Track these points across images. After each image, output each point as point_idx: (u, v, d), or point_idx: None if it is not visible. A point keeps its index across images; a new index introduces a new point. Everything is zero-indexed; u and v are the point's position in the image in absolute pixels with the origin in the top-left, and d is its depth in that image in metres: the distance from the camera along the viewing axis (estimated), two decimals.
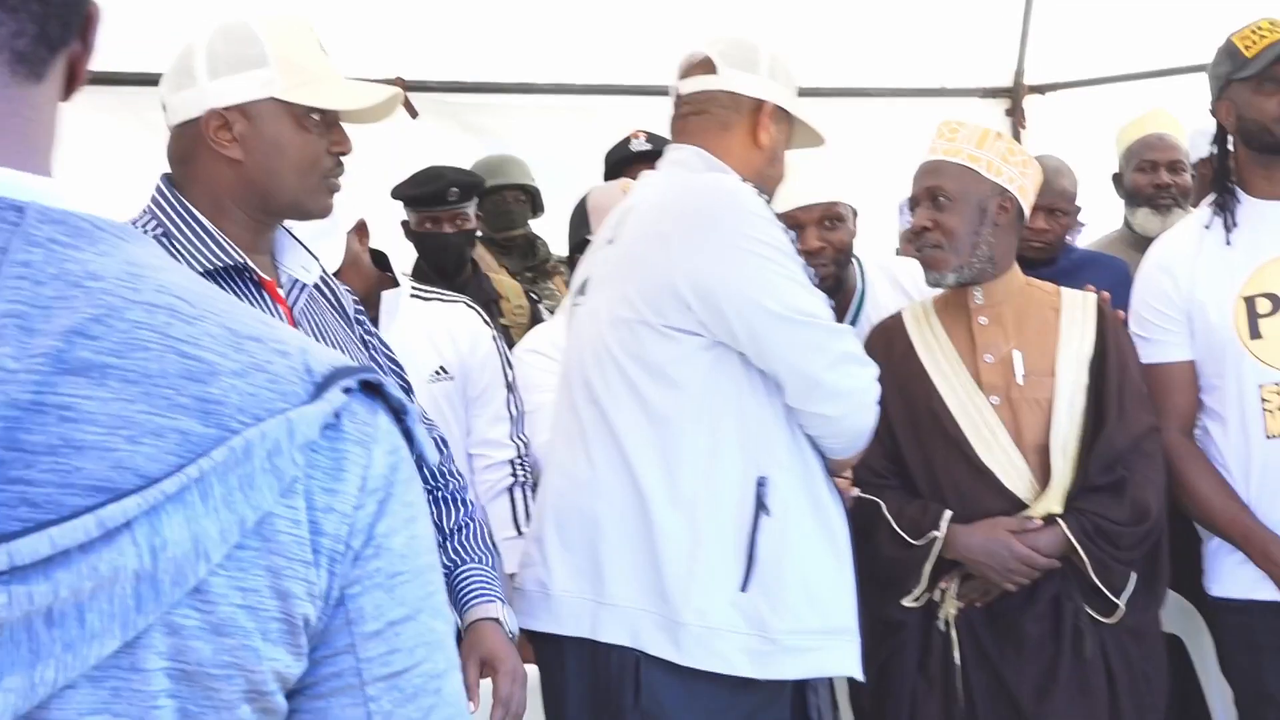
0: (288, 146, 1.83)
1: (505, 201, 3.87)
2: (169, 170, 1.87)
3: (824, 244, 2.78)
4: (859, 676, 2.27)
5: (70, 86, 0.82)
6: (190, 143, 1.83)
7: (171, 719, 0.73)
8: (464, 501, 2.17)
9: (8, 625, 0.68)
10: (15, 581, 0.67)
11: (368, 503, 0.79)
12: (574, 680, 2.19)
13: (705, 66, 2.28)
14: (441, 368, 2.76)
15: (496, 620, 2.07)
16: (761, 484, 2.14)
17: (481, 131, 4.20)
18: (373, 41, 3.91)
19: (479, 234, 3.74)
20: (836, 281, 2.82)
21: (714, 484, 2.13)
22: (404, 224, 3.53)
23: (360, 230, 2.75)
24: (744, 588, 2.13)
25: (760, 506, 2.13)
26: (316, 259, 2.01)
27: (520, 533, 2.74)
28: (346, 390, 0.78)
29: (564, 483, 2.24)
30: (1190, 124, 3.54)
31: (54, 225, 0.75)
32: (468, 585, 2.09)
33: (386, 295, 2.75)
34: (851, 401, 2.17)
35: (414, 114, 4.05)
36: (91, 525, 0.68)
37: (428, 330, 2.79)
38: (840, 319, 2.83)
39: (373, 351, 2.04)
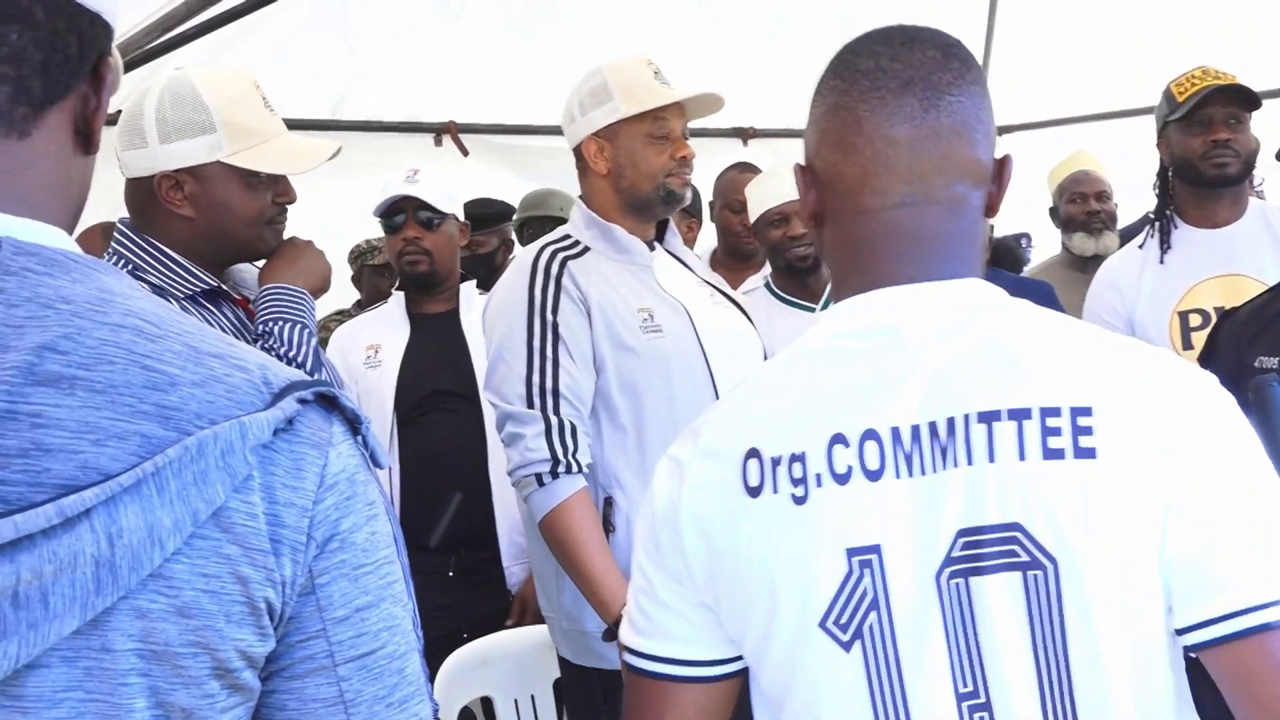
0: (235, 205, 1.87)
1: (541, 231, 4.26)
2: (126, 215, 1.89)
3: (806, 230, 3.28)
4: None
5: (87, 141, 0.87)
6: (145, 197, 1.85)
7: (142, 695, 0.76)
8: None
9: None
10: None
11: (327, 498, 0.83)
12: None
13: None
14: None
15: None
16: (608, 504, 2.31)
17: (521, 167, 4.55)
18: (430, 90, 4.34)
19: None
20: (815, 261, 3.37)
21: None
22: None
23: (463, 229, 3.33)
24: None
25: (607, 524, 2.30)
26: None
27: None
28: (302, 400, 0.83)
29: None
30: None
31: (28, 256, 0.79)
32: None
33: (464, 286, 3.31)
34: (510, 464, 2.30)
35: (465, 152, 4.48)
36: (52, 513, 0.72)
37: None
38: (816, 300, 3.38)
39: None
